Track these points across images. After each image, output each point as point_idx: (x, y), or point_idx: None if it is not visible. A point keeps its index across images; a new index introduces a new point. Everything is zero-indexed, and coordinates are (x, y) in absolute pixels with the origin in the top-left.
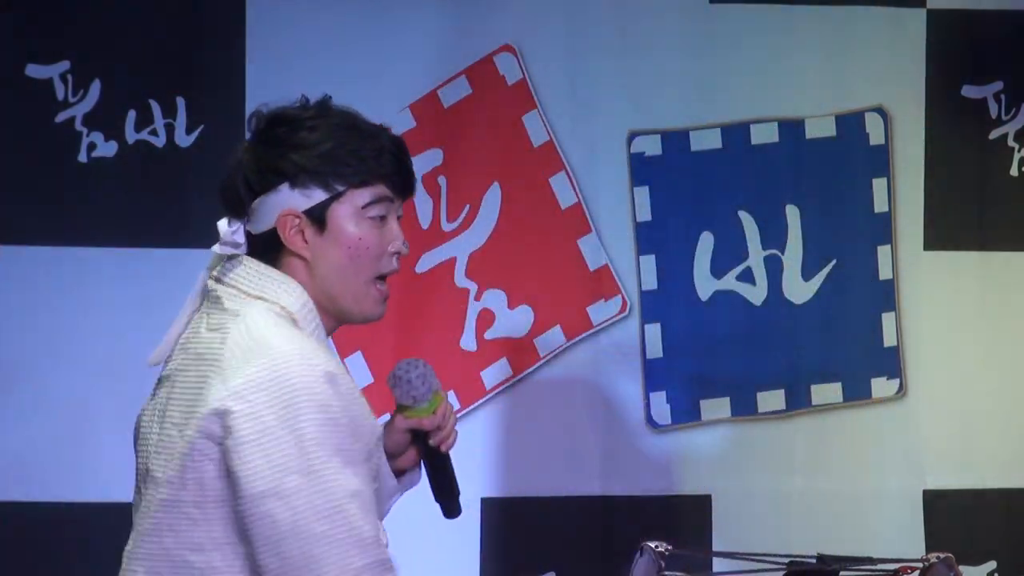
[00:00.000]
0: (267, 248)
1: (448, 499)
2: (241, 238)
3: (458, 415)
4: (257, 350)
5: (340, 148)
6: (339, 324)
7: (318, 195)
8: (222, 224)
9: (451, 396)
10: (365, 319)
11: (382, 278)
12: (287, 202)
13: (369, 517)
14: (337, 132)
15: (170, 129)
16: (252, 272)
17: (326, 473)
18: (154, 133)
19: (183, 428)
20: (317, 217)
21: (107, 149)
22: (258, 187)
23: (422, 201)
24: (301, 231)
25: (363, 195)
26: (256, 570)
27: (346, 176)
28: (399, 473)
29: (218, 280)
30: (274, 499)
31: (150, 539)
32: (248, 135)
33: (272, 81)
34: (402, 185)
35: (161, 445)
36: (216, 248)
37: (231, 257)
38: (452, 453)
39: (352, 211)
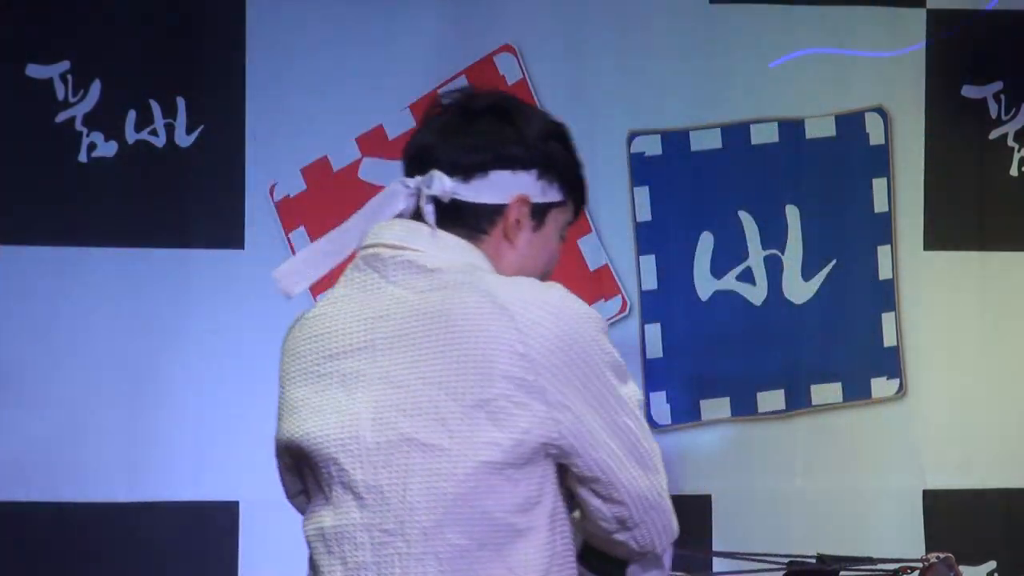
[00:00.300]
0: (469, 217)
1: None
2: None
3: None
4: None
5: (572, 164)
6: None
7: (554, 195)
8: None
9: None
10: None
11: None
12: (527, 187)
13: None
14: (571, 150)
15: (170, 129)
16: (447, 243)
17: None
18: (154, 133)
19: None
20: (540, 213)
21: (107, 149)
22: (503, 158)
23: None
24: (527, 218)
25: (570, 213)
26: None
27: (574, 190)
28: None
29: (400, 247)
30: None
31: (464, 504)
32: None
33: (272, 81)
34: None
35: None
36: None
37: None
38: None
39: (560, 223)
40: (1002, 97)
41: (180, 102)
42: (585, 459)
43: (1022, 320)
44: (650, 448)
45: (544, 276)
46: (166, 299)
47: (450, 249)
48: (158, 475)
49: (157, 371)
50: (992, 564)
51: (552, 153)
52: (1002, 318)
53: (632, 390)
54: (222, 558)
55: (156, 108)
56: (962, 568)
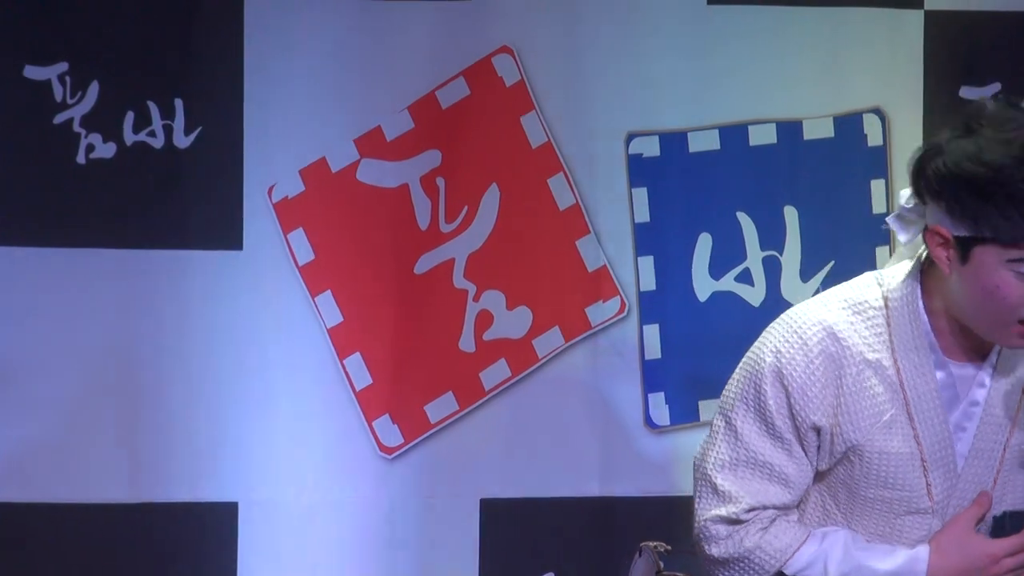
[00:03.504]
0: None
1: None
2: (913, 216)
3: (457, 416)
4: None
5: (999, 202)
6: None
7: (964, 230)
8: (903, 193)
9: (449, 397)
10: (1000, 344)
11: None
12: (940, 219)
13: (745, 484)
14: (1012, 185)
15: (168, 130)
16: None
17: (737, 427)
18: (152, 134)
19: None
20: (963, 247)
21: (105, 150)
22: (935, 187)
23: (420, 202)
24: (946, 249)
25: (1010, 252)
26: None
27: (995, 229)
28: None
29: None
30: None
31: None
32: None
33: (270, 82)
34: None
35: None
36: (892, 217)
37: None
38: (450, 453)
39: (996, 259)
40: (1000, 98)
41: (178, 103)
42: None
43: None
44: None
45: (1020, 308)
46: (164, 300)
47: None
48: (156, 476)
49: (155, 372)
50: None
51: (945, 185)
52: None
53: None
54: (221, 559)
55: (154, 109)
56: None
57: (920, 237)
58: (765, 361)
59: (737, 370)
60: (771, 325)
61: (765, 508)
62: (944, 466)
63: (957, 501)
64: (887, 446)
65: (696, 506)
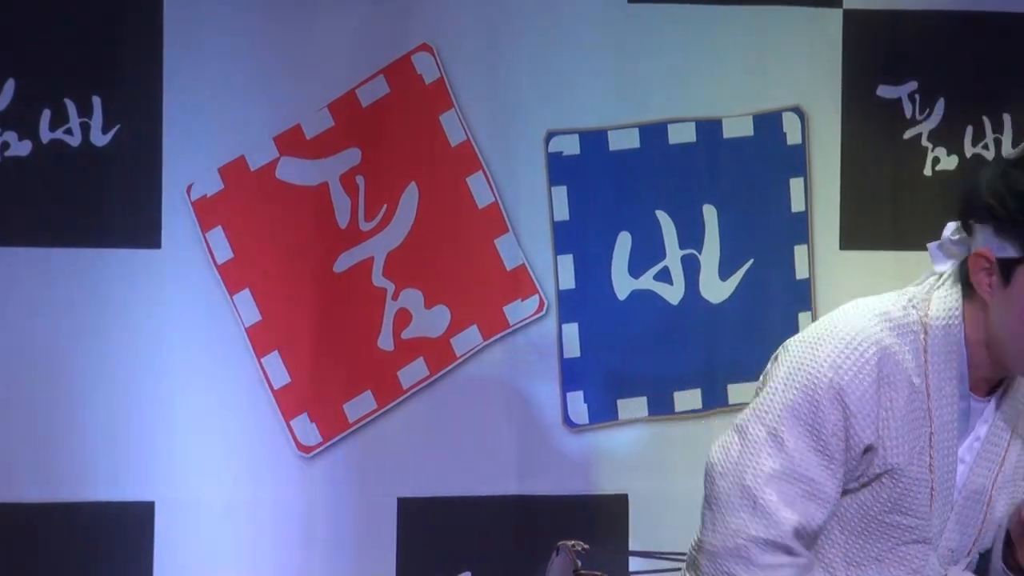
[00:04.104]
0: (965, 272)
1: None
2: (956, 248)
3: (375, 415)
4: (824, 320)
5: None
6: (1004, 370)
7: (1010, 251)
8: (950, 225)
9: (368, 396)
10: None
11: None
12: (986, 241)
13: (796, 504)
14: None
15: (86, 128)
16: (938, 284)
17: (784, 438)
18: (69, 132)
19: None
20: (1005, 270)
21: (21, 149)
22: (982, 213)
23: (340, 200)
24: (989, 275)
25: None
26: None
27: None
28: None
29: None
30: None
31: None
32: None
33: (189, 80)
34: None
35: None
36: (934, 245)
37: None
38: (368, 452)
39: None
40: (916, 97)
41: (96, 101)
42: None
43: None
44: None
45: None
46: (82, 299)
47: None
48: (72, 475)
49: (72, 371)
50: None
51: (994, 202)
52: None
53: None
54: (137, 559)
55: (71, 107)
56: None
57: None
58: (824, 377)
59: (781, 378)
60: (818, 334)
61: (806, 530)
62: (944, 497)
63: (948, 535)
64: (918, 473)
65: (723, 518)
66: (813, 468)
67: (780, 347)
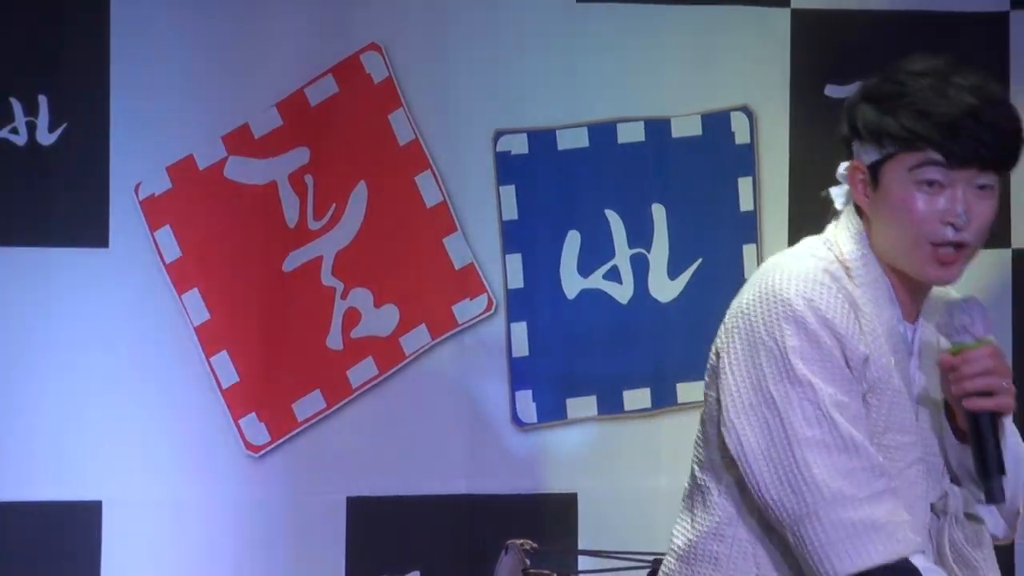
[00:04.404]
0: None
1: (982, 475)
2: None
3: (324, 414)
4: (759, 276)
5: (897, 111)
6: (914, 284)
7: (873, 153)
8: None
9: (317, 395)
10: (925, 280)
11: (937, 244)
12: (857, 154)
13: (858, 424)
14: (911, 94)
15: (32, 127)
16: (839, 219)
17: (807, 381)
18: (15, 131)
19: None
20: (874, 174)
21: None
22: (850, 130)
23: (288, 199)
24: (864, 184)
25: (910, 159)
26: (740, 496)
27: (894, 139)
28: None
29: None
30: (760, 409)
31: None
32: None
33: (137, 79)
34: (961, 155)
35: None
36: (834, 188)
37: None
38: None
39: (901, 174)
40: None
41: (42, 100)
42: None
43: None
44: None
45: (930, 224)
46: (29, 298)
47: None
48: (19, 474)
49: (19, 369)
50: None
51: (856, 115)
52: None
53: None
54: (84, 558)
55: (17, 106)
56: None
57: None
58: (807, 311)
59: (761, 333)
60: (767, 286)
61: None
62: (924, 413)
63: (934, 454)
64: (897, 386)
65: (813, 477)
66: (843, 394)
67: (722, 328)
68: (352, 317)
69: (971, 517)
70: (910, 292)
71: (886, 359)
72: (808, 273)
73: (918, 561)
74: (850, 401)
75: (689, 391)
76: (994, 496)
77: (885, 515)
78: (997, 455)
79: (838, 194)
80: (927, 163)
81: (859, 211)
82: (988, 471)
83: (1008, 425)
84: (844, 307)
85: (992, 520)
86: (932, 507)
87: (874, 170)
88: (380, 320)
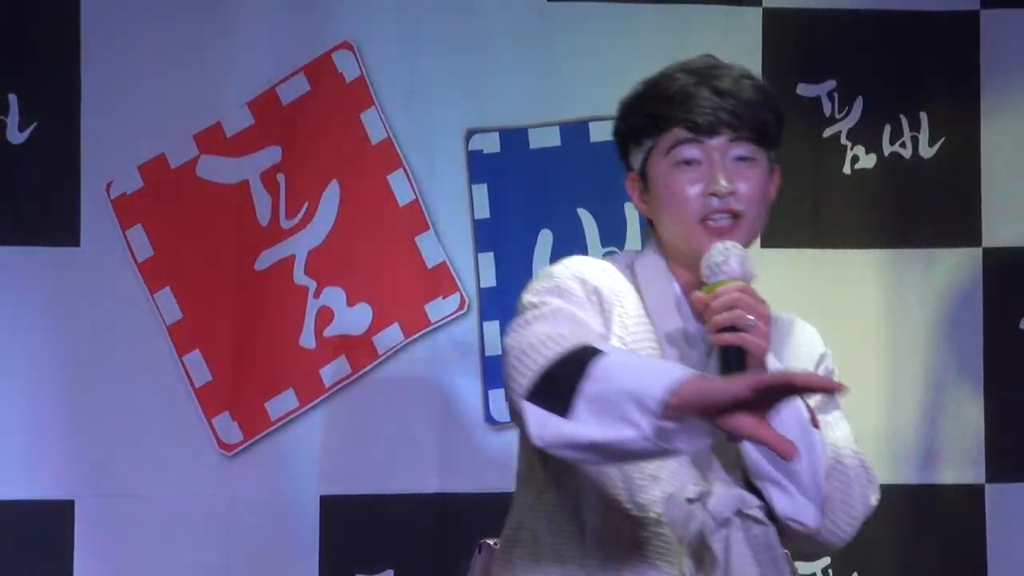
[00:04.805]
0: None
1: None
2: None
3: (297, 413)
4: None
5: (642, 103)
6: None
7: (638, 156)
8: None
9: (290, 394)
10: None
11: (707, 218)
12: (630, 167)
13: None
14: (651, 87)
15: (2, 126)
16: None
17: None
18: None
19: None
20: (643, 178)
21: None
22: (619, 144)
23: (260, 198)
24: (639, 191)
25: (663, 143)
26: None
27: (644, 129)
28: None
29: None
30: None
31: None
32: None
33: (108, 78)
34: (705, 122)
35: None
36: None
37: None
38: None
39: (661, 164)
40: (836, 95)
41: (12, 98)
42: None
43: (854, 317)
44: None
45: (697, 200)
46: None
47: None
48: None
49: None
50: (826, 560)
51: (617, 128)
52: (835, 315)
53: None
54: (56, 558)
55: None
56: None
57: None
58: (565, 272)
59: (527, 298)
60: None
61: None
62: None
63: (717, 450)
64: None
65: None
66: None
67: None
68: (325, 316)
69: (754, 520)
70: (695, 272)
71: (648, 346)
72: (586, 259)
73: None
74: (588, 320)
75: None
76: None
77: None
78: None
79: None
80: (679, 142)
81: (650, 223)
82: None
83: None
84: (611, 284)
85: (793, 506)
86: (690, 501)
87: (643, 173)
88: (353, 319)
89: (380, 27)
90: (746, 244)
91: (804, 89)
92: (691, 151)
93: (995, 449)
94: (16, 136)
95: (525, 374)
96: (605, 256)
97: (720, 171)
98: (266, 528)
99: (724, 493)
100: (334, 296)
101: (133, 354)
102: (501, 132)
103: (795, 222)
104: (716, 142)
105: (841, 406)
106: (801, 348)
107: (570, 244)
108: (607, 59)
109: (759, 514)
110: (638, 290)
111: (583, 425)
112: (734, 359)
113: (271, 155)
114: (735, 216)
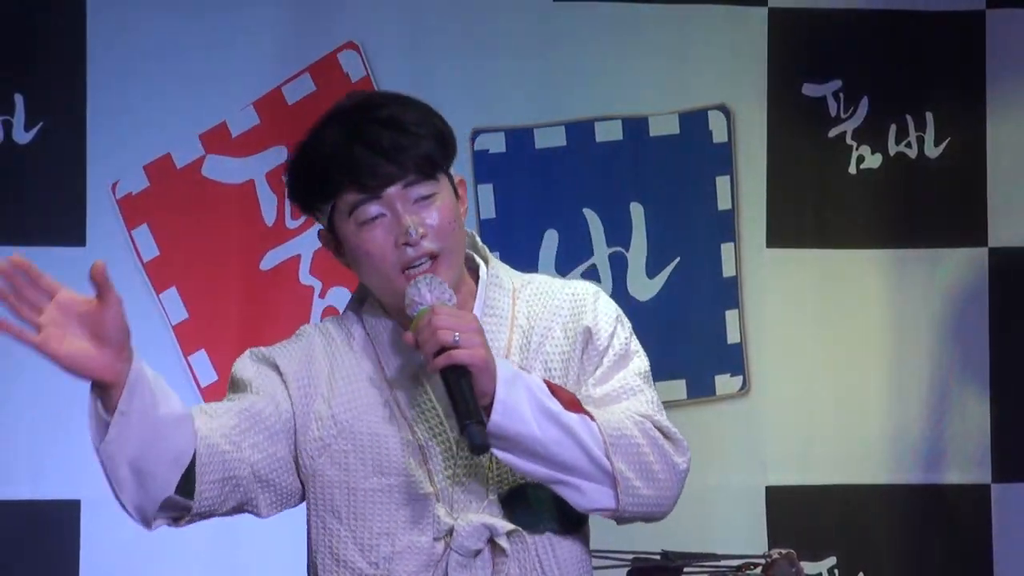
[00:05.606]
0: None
1: (460, 427)
2: None
3: None
4: None
5: (298, 172)
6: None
7: (321, 216)
8: None
9: None
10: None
11: (407, 268)
12: (319, 220)
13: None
14: (305, 154)
15: (8, 126)
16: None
17: None
18: None
19: None
20: (334, 235)
21: None
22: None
23: (266, 198)
24: (335, 246)
25: (343, 204)
26: None
27: (318, 196)
28: None
29: None
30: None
31: None
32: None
33: (114, 78)
34: (370, 179)
35: None
36: None
37: None
38: None
39: (347, 223)
40: (841, 95)
41: (18, 99)
42: None
43: (859, 317)
44: None
45: (394, 253)
46: None
47: None
48: None
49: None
50: (832, 559)
51: (292, 194)
52: (841, 315)
53: None
54: (63, 558)
55: None
56: (803, 563)
57: None
58: (242, 356)
59: None
60: None
61: None
62: (442, 453)
63: (458, 487)
64: (378, 430)
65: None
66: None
67: None
68: (331, 315)
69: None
70: None
71: (364, 404)
72: (298, 329)
73: None
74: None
75: (667, 390)
76: (473, 441)
77: None
78: (466, 403)
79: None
80: (357, 204)
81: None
82: (461, 420)
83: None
84: (298, 356)
85: (586, 498)
86: (436, 540)
87: (332, 231)
88: None
89: (385, 27)
90: (454, 269)
91: (809, 89)
92: (371, 209)
93: (1001, 449)
94: (22, 136)
95: None
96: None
97: (404, 219)
98: (270, 526)
99: (466, 526)
100: (340, 296)
101: (138, 354)
102: (506, 132)
103: (800, 222)
104: (391, 191)
105: (632, 372)
106: (558, 315)
107: (576, 244)
108: (612, 59)
109: (504, 542)
110: (330, 356)
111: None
112: (453, 378)
113: (276, 155)
114: (433, 257)
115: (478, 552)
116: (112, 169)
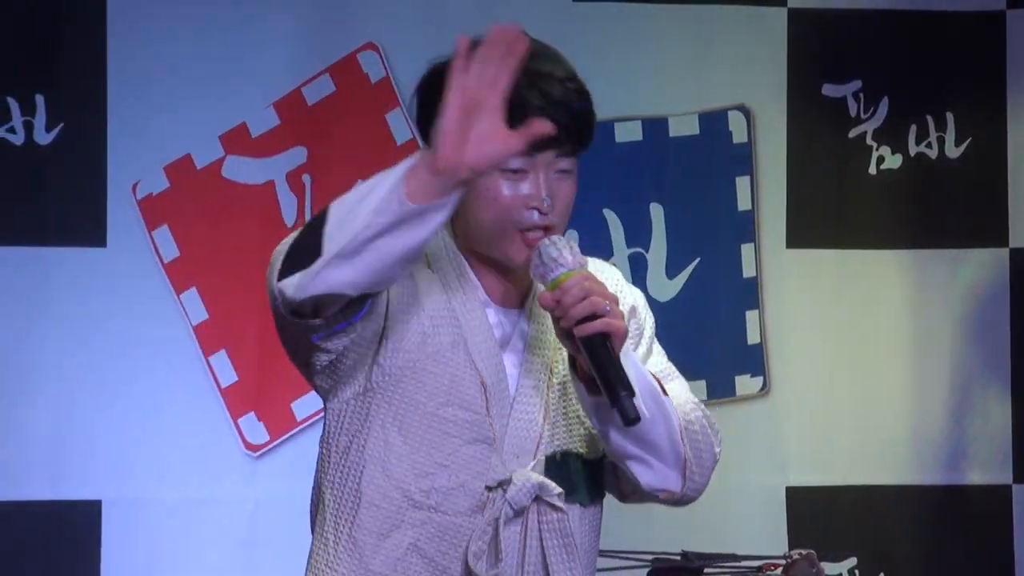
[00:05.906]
0: None
1: (611, 399)
2: None
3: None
4: None
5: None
6: (503, 268)
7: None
8: None
9: (316, 395)
10: (513, 264)
11: (525, 229)
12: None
13: None
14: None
15: (29, 127)
16: None
17: None
18: (12, 131)
19: None
20: None
21: None
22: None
23: (286, 199)
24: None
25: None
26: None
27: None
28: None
29: None
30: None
31: None
32: None
33: (135, 79)
34: (539, 141)
35: None
36: None
37: None
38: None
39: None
40: (861, 96)
41: (39, 100)
42: None
43: (880, 318)
44: None
45: (517, 211)
46: (27, 297)
47: None
48: (19, 474)
49: (17, 369)
50: (853, 560)
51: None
52: (861, 316)
53: None
54: (84, 559)
55: (14, 106)
56: (823, 564)
57: None
58: None
59: None
60: None
61: None
62: (499, 398)
63: (510, 438)
64: (460, 365)
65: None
66: None
67: None
68: None
69: (550, 506)
70: (500, 276)
71: (451, 337)
72: None
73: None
74: None
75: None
76: (627, 414)
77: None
78: (619, 374)
79: None
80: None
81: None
82: (614, 392)
83: (633, 360)
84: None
85: (657, 477)
86: (489, 489)
87: None
88: None
89: (405, 28)
90: None
91: (829, 89)
92: (519, 162)
93: (1022, 450)
94: (43, 137)
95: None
96: None
97: (544, 187)
98: (291, 529)
99: (524, 481)
100: None
101: (159, 355)
102: None
103: (820, 222)
104: (543, 157)
105: (664, 356)
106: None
107: (595, 244)
108: (632, 59)
109: (557, 501)
110: (428, 264)
111: (334, 243)
112: (600, 345)
113: (296, 156)
114: (546, 229)
115: (522, 510)
116: (132, 170)
